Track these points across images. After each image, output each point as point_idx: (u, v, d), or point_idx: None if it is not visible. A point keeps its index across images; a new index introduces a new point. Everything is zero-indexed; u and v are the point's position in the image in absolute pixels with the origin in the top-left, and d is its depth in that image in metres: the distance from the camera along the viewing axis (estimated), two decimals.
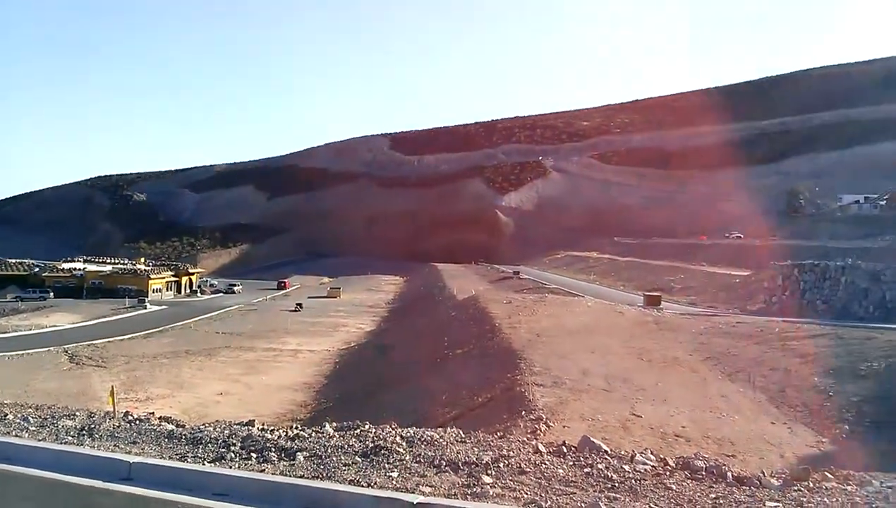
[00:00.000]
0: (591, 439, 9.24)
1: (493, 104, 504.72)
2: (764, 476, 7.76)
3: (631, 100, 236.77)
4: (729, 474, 7.67)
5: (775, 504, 6.58)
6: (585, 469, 7.70)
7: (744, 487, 7.24)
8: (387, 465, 7.73)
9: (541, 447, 8.74)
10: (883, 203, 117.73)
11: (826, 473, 7.99)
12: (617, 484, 7.16)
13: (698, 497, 6.82)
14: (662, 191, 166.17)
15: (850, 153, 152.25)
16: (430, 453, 8.20)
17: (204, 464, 8.06)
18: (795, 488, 7.26)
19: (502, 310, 39.88)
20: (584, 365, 23.74)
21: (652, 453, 8.79)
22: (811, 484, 7.41)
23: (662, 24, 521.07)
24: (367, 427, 10.04)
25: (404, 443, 8.66)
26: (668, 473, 7.63)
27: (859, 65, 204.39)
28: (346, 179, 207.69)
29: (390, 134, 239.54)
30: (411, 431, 9.57)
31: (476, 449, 8.50)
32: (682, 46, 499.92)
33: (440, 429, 10.04)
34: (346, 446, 8.60)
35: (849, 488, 7.32)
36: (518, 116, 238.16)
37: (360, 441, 8.82)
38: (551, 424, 15.93)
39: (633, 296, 57.48)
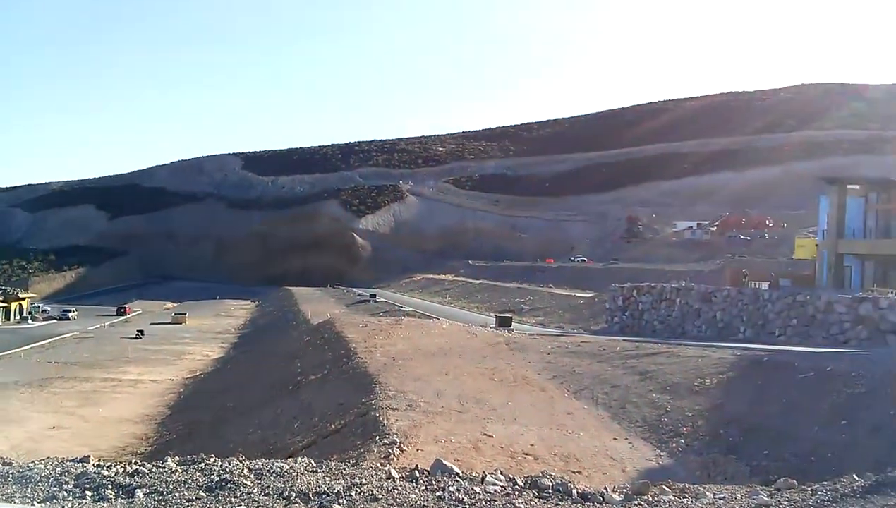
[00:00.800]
0: (444, 462, 9.26)
1: (350, 126, 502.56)
2: (607, 491, 8.04)
3: (484, 128, 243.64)
4: (574, 491, 7.89)
5: None
6: (437, 493, 7.68)
7: (588, 503, 7.46)
8: (233, 499, 7.39)
9: (393, 472, 8.65)
10: (714, 229, 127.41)
11: (664, 486, 8.41)
12: (468, 507, 7.20)
13: None
14: (513, 216, 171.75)
15: (684, 183, 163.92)
16: (279, 484, 7.92)
17: (33, 504, 7.40)
18: (636, 502, 7.57)
19: (358, 334, 39.59)
20: (438, 386, 23.91)
21: (502, 473, 8.93)
22: (650, 498, 7.76)
23: (512, 54, 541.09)
24: (212, 460, 9.56)
25: (252, 476, 8.32)
26: (516, 493, 7.76)
27: (690, 100, 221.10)
28: (195, 199, 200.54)
29: (242, 153, 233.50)
30: (260, 462, 9.22)
31: (328, 478, 8.30)
32: (531, 78, 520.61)
33: (291, 459, 9.75)
34: (189, 481, 8.15)
35: (685, 500, 7.71)
36: (375, 140, 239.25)
37: (205, 476, 8.39)
38: (405, 448, 15.90)
39: (486, 318, 58.77)
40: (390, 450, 15.72)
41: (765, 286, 43.69)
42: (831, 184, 51.51)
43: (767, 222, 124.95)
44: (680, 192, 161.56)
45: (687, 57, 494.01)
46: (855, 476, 7.95)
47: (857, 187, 51.64)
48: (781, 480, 8.67)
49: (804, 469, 13.66)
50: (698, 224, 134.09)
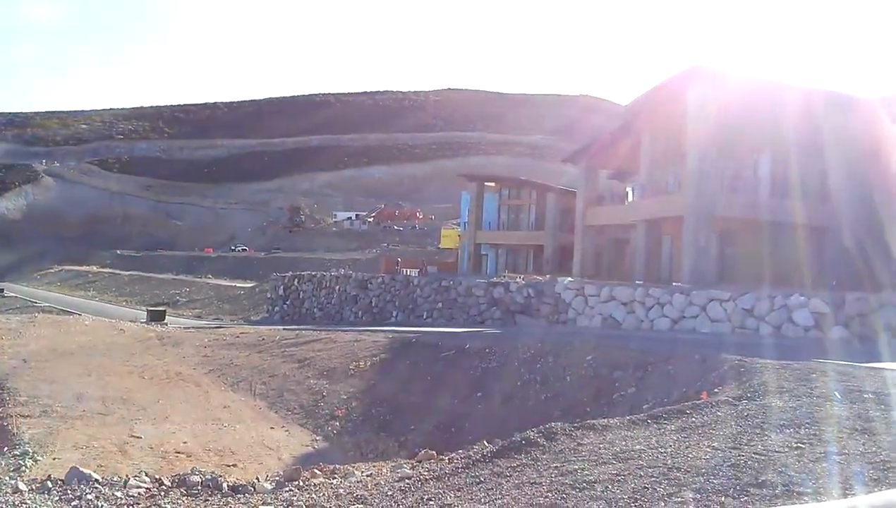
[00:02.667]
0: (81, 469, 8.50)
1: None
2: (258, 481, 8.01)
3: (135, 107, 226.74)
4: (224, 485, 7.74)
5: (267, 507, 6.84)
6: (73, 503, 7.06)
7: (238, 495, 7.38)
8: None
9: (21, 485, 7.75)
10: (370, 220, 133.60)
11: (315, 470, 8.60)
12: None
13: None
14: (168, 203, 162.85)
15: (344, 175, 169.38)
16: None
17: None
18: (287, 489, 7.64)
19: None
20: (79, 389, 21.80)
21: (147, 475, 8.47)
22: (301, 483, 7.88)
23: (165, 34, 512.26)
24: None
25: None
26: (162, 493, 7.40)
27: (349, 95, 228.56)
28: None
29: None
30: None
31: None
32: (185, 59, 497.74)
33: None
34: None
35: (334, 481, 7.96)
36: (3, 112, 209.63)
37: None
38: (39, 458, 14.29)
39: (138, 312, 55.02)
40: (21, 462, 14.02)
41: (415, 273, 46.84)
42: (471, 182, 57.06)
43: (418, 214, 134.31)
44: (340, 184, 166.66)
45: (345, 53, 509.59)
46: (486, 442, 8.85)
47: (493, 184, 57.85)
48: (423, 452, 9.36)
49: (446, 440, 14.91)
50: (357, 215, 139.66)
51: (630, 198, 43.02)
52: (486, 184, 57.02)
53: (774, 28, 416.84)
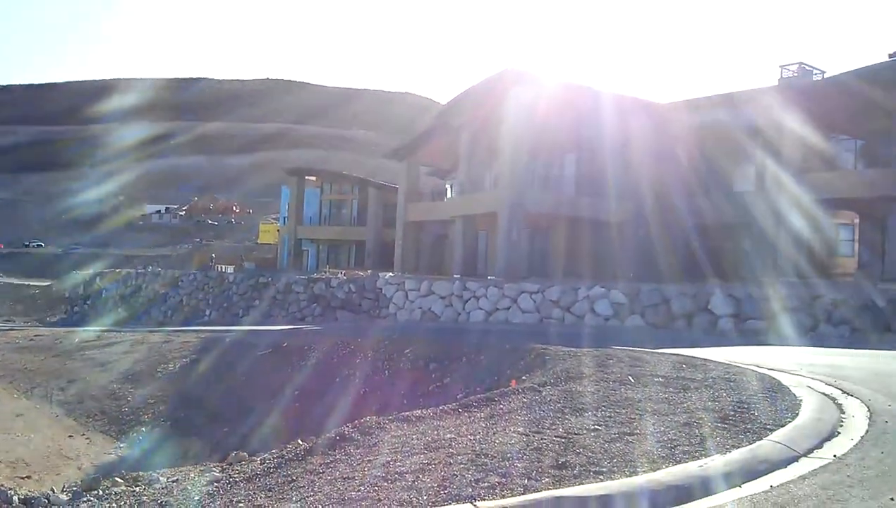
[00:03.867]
0: None
1: None
2: (53, 493, 7.49)
3: None
4: (15, 498, 7.17)
5: None
6: None
7: None
8: None
9: None
10: (182, 213, 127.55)
11: (116, 478, 8.11)
12: None
13: None
14: None
15: (152, 165, 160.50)
16: None
17: None
18: (85, 499, 7.18)
19: None
20: None
21: None
22: (101, 492, 7.42)
23: None
24: None
25: None
26: None
27: (160, 81, 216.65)
28: None
29: None
30: None
31: None
32: None
33: None
34: None
35: (137, 489, 7.55)
36: None
37: None
38: None
39: None
40: None
41: (230, 269, 45.39)
42: (292, 175, 56.09)
43: (235, 208, 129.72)
44: (148, 175, 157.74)
45: (156, 39, 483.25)
46: (300, 440, 8.73)
47: (315, 178, 57.23)
48: (234, 454, 9.09)
49: (261, 441, 14.55)
50: (167, 208, 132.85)
51: (449, 194, 44.09)
52: (307, 177, 56.26)
53: (585, 35, 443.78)
